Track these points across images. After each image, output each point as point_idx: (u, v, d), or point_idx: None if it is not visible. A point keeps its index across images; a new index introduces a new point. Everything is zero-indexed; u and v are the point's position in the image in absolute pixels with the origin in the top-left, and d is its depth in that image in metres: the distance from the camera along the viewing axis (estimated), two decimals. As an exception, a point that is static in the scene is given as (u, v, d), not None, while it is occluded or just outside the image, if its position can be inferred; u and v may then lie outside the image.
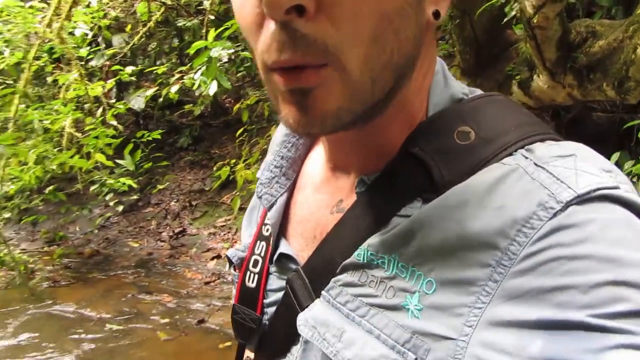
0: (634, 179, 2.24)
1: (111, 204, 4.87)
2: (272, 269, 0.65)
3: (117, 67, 4.34)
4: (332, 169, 0.62)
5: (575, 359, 0.37)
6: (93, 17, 4.88)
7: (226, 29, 3.56)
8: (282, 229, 0.66)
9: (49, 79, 5.18)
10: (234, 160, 4.40)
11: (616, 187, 0.43)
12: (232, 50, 3.84)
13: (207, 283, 4.35)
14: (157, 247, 5.15)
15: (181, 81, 4.64)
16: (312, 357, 0.56)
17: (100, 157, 4.03)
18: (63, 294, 4.31)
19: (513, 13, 2.39)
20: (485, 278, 0.43)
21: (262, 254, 0.67)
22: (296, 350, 0.59)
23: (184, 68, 4.79)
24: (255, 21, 0.45)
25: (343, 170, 0.60)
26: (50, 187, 4.71)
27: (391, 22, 0.44)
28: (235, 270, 0.71)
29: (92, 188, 4.44)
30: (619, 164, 2.28)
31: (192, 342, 3.45)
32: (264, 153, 4.35)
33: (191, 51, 3.65)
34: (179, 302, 4.04)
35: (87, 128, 4.24)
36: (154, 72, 5.41)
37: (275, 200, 0.66)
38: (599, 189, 0.43)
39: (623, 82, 2.32)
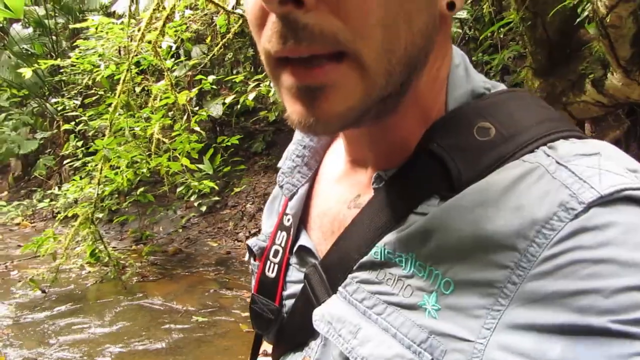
0: None
1: (195, 204, 5.20)
2: (292, 260, 0.64)
3: (201, 76, 4.64)
4: (351, 162, 0.61)
5: None
6: (176, 31, 5.25)
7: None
8: (302, 220, 0.65)
9: (137, 89, 5.59)
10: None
11: None
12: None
13: (282, 280, 4.55)
14: (234, 247, 5.44)
15: (258, 89, 4.92)
16: (330, 353, 0.55)
17: (185, 161, 4.32)
18: (151, 288, 4.64)
19: (586, 13, 2.43)
20: (503, 280, 0.41)
21: (283, 244, 0.66)
22: (315, 344, 0.58)
23: (259, 76, 5.06)
24: (259, 16, 0.45)
25: (361, 164, 0.59)
26: (140, 189, 5.09)
27: (402, 8, 0.43)
28: (255, 260, 0.70)
29: (178, 190, 4.76)
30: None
31: (271, 334, 3.65)
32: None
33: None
34: (257, 297, 4.26)
35: (174, 134, 4.55)
36: (231, 80, 5.73)
37: (297, 190, 0.65)
38: (623, 189, 0.41)
39: (702, 77, 2.31)
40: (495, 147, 0.47)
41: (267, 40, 0.44)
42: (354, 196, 0.58)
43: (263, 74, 5.02)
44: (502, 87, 0.55)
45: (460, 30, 4.59)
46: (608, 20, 2.29)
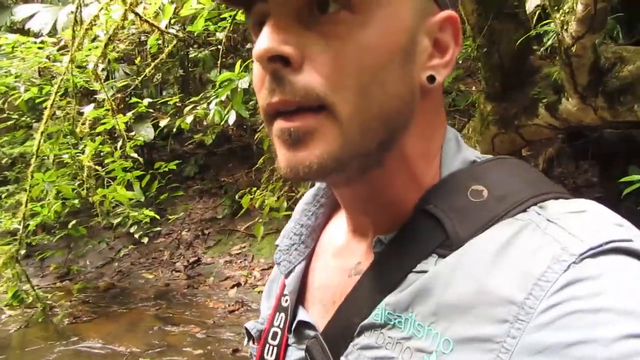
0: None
1: (136, 236, 4.85)
2: (291, 340, 0.65)
3: (136, 99, 4.37)
4: (352, 232, 0.63)
5: None
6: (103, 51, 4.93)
7: (252, 61, 3.66)
8: (300, 297, 0.66)
9: (59, 113, 5.17)
10: (254, 189, 4.45)
11: (629, 240, 0.44)
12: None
13: (231, 312, 4.36)
14: (173, 278, 5.14)
15: (194, 111, 4.71)
16: None
17: (123, 191, 4.05)
18: (86, 330, 4.26)
19: (550, 42, 2.53)
20: (503, 334, 0.42)
21: (281, 326, 0.66)
22: None
23: (196, 98, 4.86)
24: (260, 79, 0.51)
25: (362, 233, 0.61)
26: (73, 222, 4.67)
27: (375, 76, 0.48)
28: (253, 343, 0.70)
29: (115, 221, 4.42)
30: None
31: (232, 372, 3.46)
32: (285, 181, 4.41)
33: (218, 82, 3.73)
34: (207, 332, 4.04)
35: (106, 161, 4.25)
36: (161, 102, 5.46)
37: (294, 268, 0.67)
38: (611, 241, 0.43)
39: (654, 103, 2.48)
40: (488, 207, 0.50)
41: (262, 97, 0.50)
42: (354, 264, 0.60)
43: (199, 96, 4.84)
44: (490, 157, 0.59)
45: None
46: (573, 50, 2.40)
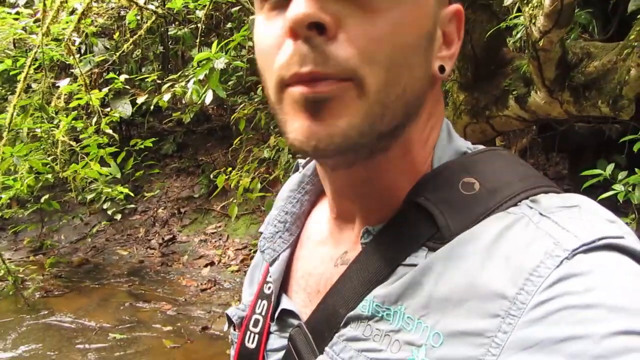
0: (630, 189, 2.45)
1: (109, 212, 4.84)
2: (273, 327, 0.64)
3: (112, 75, 4.34)
4: (336, 220, 0.62)
5: None
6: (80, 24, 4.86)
7: (231, 41, 3.65)
8: (284, 285, 0.65)
9: (34, 86, 5.11)
10: (230, 169, 4.46)
11: (621, 237, 0.44)
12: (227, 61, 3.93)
13: (203, 290, 4.40)
14: (147, 255, 5.16)
15: (172, 89, 4.69)
16: None
17: (97, 167, 4.03)
18: (58, 304, 4.28)
19: (519, 35, 2.57)
20: (494, 329, 0.42)
21: (263, 313, 0.65)
22: None
23: (174, 76, 4.83)
24: (275, 44, 0.48)
25: (347, 221, 0.60)
26: (46, 196, 4.65)
27: (406, 56, 0.48)
28: (234, 329, 0.69)
29: (89, 197, 4.42)
30: (614, 178, 2.50)
31: (199, 349, 3.50)
32: (260, 162, 4.42)
33: (195, 60, 3.72)
34: (178, 310, 4.08)
35: (81, 136, 4.23)
36: (140, 79, 5.42)
37: (278, 256, 0.65)
38: (604, 237, 0.43)
39: (617, 100, 2.53)
40: (480, 200, 0.50)
41: (284, 63, 0.46)
42: (340, 253, 0.59)
43: (178, 74, 4.81)
44: (481, 147, 0.58)
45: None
46: (540, 44, 2.44)
